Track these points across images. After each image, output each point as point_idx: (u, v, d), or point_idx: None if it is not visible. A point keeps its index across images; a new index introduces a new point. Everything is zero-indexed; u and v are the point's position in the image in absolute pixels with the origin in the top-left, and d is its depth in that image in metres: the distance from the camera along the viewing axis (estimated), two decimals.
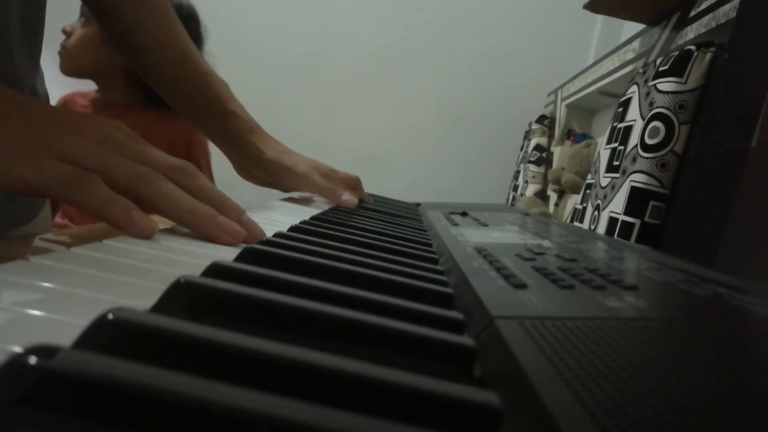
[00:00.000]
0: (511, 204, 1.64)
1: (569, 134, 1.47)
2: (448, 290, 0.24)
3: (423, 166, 2.00)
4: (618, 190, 0.76)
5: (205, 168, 1.23)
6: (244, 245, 0.30)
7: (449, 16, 1.94)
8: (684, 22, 0.81)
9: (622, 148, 0.79)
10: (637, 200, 0.71)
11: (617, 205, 0.75)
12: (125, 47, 0.55)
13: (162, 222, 0.32)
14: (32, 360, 0.10)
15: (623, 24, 1.40)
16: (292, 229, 0.36)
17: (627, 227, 0.72)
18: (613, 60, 1.16)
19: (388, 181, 1.92)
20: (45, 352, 0.11)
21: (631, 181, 0.72)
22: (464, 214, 0.63)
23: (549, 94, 1.70)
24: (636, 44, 1.03)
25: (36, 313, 0.16)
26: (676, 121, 0.68)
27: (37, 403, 0.10)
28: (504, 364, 0.15)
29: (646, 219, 0.70)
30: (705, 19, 0.74)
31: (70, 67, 1.12)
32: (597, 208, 0.84)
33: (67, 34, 1.11)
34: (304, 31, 1.94)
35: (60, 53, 1.12)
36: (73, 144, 0.27)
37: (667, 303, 0.23)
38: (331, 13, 1.94)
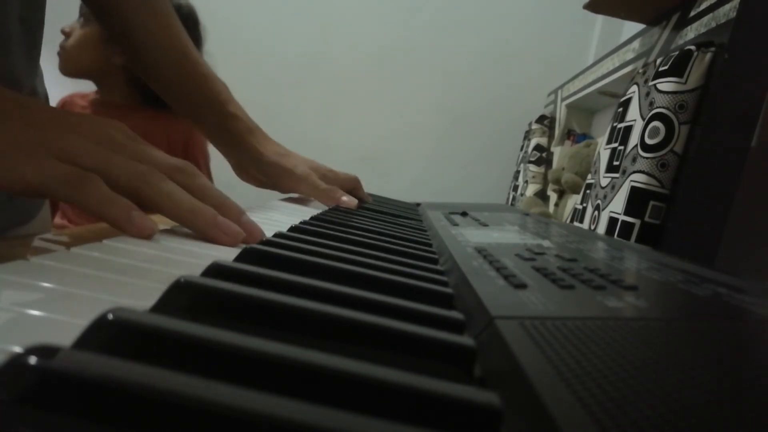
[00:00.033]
0: (511, 204, 1.64)
1: (569, 134, 1.47)
2: (448, 290, 0.24)
3: (423, 166, 2.00)
4: (618, 190, 0.76)
5: (204, 168, 1.24)
6: (243, 245, 0.30)
7: (449, 16, 1.94)
8: (684, 22, 0.81)
9: (622, 148, 0.79)
10: (637, 200, 0.71)
11: (617, 205, 0.75)
12: (126, 47, 0.55)
13: (162, 222, 0.32)
14: (32, 360, 0.10)
15: (623, 24, 1.40)
16: (292, 229, 0.36)
17: (627, 227, 0.72)
18: (613, 60, 1.16)
19: (388, 181, 1.92)
20: (45, 352, 0.11)
21: (631, 181, 0.72)
22: (464, 214, 0.63)
23: (549, 94, 1.70)
24: (636, 44, 1.03)
25: (36, 313, 0.16)
26: (676, 121, 0.68)
27: (37, 403, 0.10)
28: (504, 364, 0.15)
29: (646, 219, 0.70)
30: (705, 19, 0.74)
31: (69, 67, 1.12)
32: (597, 208, 0.84)
33: (66, 34, 1.11)
34: (304, 31, 1.94)
35: (59, 53, 1.12)
36: (73, 144, 0.27)
37: (667, 303, 0.23)
38: (331, 13, 1.94)
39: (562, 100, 1.53)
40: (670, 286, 0.25)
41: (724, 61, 0.66)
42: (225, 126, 0.60)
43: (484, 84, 1.95)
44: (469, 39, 1.94)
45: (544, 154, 1.51)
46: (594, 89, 1.26)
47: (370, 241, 0.36)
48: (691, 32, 0.78)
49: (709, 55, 0.68)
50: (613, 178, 0.79)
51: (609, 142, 0.85)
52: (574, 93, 1.42)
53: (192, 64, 0.57)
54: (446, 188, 1.95)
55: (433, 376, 0.13)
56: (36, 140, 0.27)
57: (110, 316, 0.13)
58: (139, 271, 0.22)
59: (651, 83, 0.74)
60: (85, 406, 0.10)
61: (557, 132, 1.51)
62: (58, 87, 1.07)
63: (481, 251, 0.33)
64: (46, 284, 0.18)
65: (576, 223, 0.93)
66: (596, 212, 0.84)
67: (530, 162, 1.52)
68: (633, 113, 0.78)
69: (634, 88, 0.81)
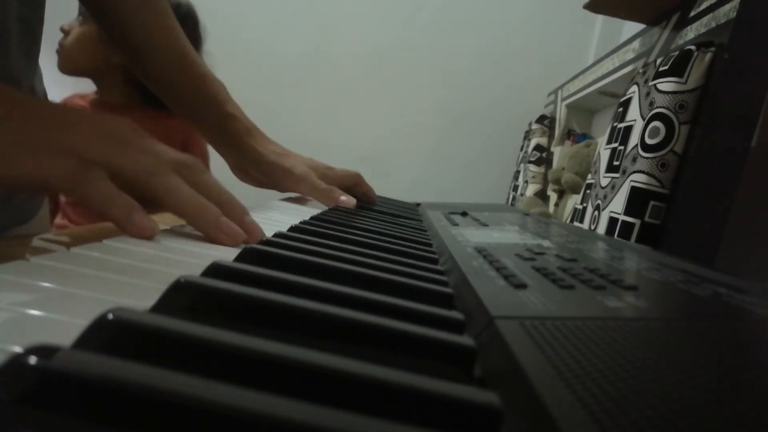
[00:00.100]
0: (511, 204, 1.64)
1: (569, 134, 1.47)
2: (448, 290, 0.24)
3: (423, 166, 2.00)
4: (618, 190, 0.76)
5: None
6: (243, 245, 0.30)
7: (449, 16, 1.94)
8: (684, 22, 0.81)
9: (622, 148, 0.79)
10: (637, 200, 0.71)
11: (617, 205, 0.75)
12: (124, 48, 0.55)
13: (162, 222, 0.32)
14: (32, 360, 0.10)
15: (623, 24, 1.40)
16: (292, 229, 0.36)
17: (627, 227, 0.72)
18: (613, 60, 1.16)
19: (388, 181, 1.92)
20: (45, 352, 0.11)
21: (631, 181, 0.72)
22: (464, 214, 0.63)
23: (549, 94, 1.70)
24: (636, 44, 1.03)
25: (36, 313, 0.16)
26: (676, 121, 0.68)
27: (37, 403, 0.10)
28: (504, 364, 0.15)
29: (646, 219, 0.70)
30: (705, 19, 0.74)
31: (68, 65, 1.12)
32: (597, 208, 0.84)
33: (66, 32, 1.11)
34: (304, 31, 1.94)
35: (58, 51, 1.12)
36: (77, 139, 0.27)
37: (667, 303, 0.23)
38: (331, 13, 1.94)
39: (562, 100, 1.53)
40: (670, 286, 0.25)
41: (724, 61, 0.66)
42: (223, 126, 0.60)
43: (484, 84, 1.95)
44: (469, 39, 1.94)
45: (544, 154, 1.51)
46: (594, 89, 1.26)
47: (370, 241, 0.36)
48: (691, 32, 0.78)
49: (709, 55, 0.68)
50: (613, 178, 0.79)
51: (609, 142, 0.85)
52: (574, 93, 1.42)
53: (190, 64, 0.57)
54: (446, 188, 1.95)
55: (433, 376, 0.13)
56: (40, 137, 0.27)
57: (110, 316, 0.13)
58: (139, 271, 0.22)
59: (651, 83, 0.74)
60: (85, 406, 0.10)
61: (557, 132, 1.51)
62: (57, 86, 1.07)
63: (481, 251, 0.33)
64: (46, 284, 0.18)
65: (576, 223, 0.93)
66: (596, 212, 0.84)
67: (530, 162, 1.52)
68: (633, 113, 0.78)
69: (634, 88, 0.81)
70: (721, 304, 0.22)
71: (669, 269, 0.30)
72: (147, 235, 0.27)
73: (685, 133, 0.68)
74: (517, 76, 1.93)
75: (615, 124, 0.85)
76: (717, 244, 0.64)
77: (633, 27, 1.09)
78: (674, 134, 0.68)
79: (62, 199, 1.16)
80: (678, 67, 0.70)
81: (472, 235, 0.42)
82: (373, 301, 0.20)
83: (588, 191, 0.91)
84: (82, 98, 1.21)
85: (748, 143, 0.65)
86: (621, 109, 0.84)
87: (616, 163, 0.80)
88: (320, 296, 0.19)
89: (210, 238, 0.31)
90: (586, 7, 1.11)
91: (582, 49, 1.86)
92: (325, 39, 1.94)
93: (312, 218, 0.45)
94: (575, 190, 1.10)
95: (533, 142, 1.55)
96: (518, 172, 1.67)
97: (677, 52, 0.71)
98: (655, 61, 0.79)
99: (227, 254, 0.27)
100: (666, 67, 0.72)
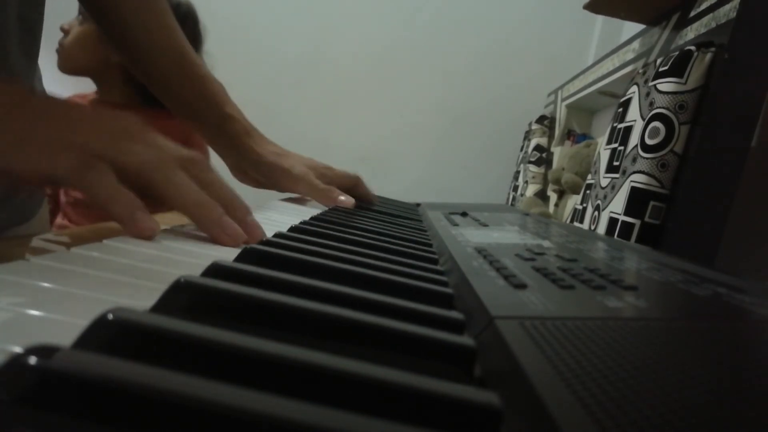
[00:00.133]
0: (511, 204, 1.64)
1: (569, 134, 1.47)
2: (448, 290, 0.24)
3: (423, 166, 2.00)
4: (618, 191, 0.76)
5: None
6: (244, 245, 0.30)
7: (449, 16, 1.94)
8: (684, 23, 0.81)
9: (622, 148, 0.79)
10: (637, 200, 0.71)
11: (617, 205, 0.75)
12: (124, 48, 0.55)
13: (162, 222, 0.32)
14: (32, 360, 0.10)
15: (623, 24, 1.40)
16: (292, 229, 0.36)
17: (627, 227, 0.72)
18: (613, 60, 1.16)
19: (388, 181, 1.91)
20: (45, 352, 0.11)
21: (631, 181, 0.72)
22: (464, 214, 0.63)
23: (549, 94, 1.70)
24: (636, 44, 1.03)
25: (36, 313, 0.16)
26: (676, 122, 0.68)
27: (37, 403, 0.10)
28: (504, 364, 0.15)
29: (646, 219, 0.70)
30: (705, 19, 0.74)
31: (68, 65, 1.12)
32: (597, 208, 0.84)
33: (65, 31, 1.11)
34: (304, 31, 1.94)
35: (57, 51, 1.12)
36: (83, 133, 0.28)
37: (667, 303, 0.23)
38: (331, 13, 1.94)
39: (562, 100, 1.53)
40: (670, 286, 0.25)
41: (724, 61, 0.66)
42: (222, 127, 0.60)
43: (484, 84, 1.95)
44: (469, 39, 1.94)
45: (544, 155, 1.51)
46: (594, 89, 1.26)
47: (370, 241, 0.36)
48: (691, 32, 0.78)
49: (709, 56, 0.68)
50: (613, 178, 0.79)
51: (609, 142, 0.85)
52: (574, 93, 1.42)
53: (190, 65, 0.57)
54: (446, 188, 1.95)
55: (433, 376, 0.13)
56: (48, 132, 0.27)
57: (110, 316, 0.13)
58: (139, 271, 0.22)
59: (651, 83, 0.74)
60: (85, 406, 0.10)
61: (557, 132, 1.51)
62: (57, 86, 1.07)
63: (481, 251, 0.33)
64: (46, 284, 0.18)
65: (576, 224, 0.93)
66: (596, 212, 0.84)
67: (530, 162, 1.52)
68: (633, 113, 0.78)
69: (634, 88, 0.81)
70: (721, 304, 0.22)
71: (669, 269, 0.30)
72: (147, 235, 0.27)
73: (685, 133, 0.68)
74: (517, 76, 1.92)
75: (615, 125, 0.85)
76: (717, 244, 0.64)
77: (633, 27, 1.09)
78: (674, 134, 0.68)
79: (62, 199, 1.16)
80: (678, 67, 0.70)
81: (472, 236, 0.42)
82: (373, 301, 0.20)
83: (588, 191, 0.91)
84: (82, 98, 1.21)
85: (748, 143, 0.65)
86: (621, 110, 0.84)
87: (616, 163, 0.80)
88: (320, 296, 0.19)
89: (211, 236, 0.31)
90: (586, 7, 1.11)
91: (582, 49, 1.86)
92: (325, 39, 1.94)
93: (312, 218, 0.45)
94: (575, 191, 1.10)
95: (533, 143, 1.55)
96: (518, 172, 1.67)
97: (677, 53, 0.71)
98: (655, 61, 0.79)
99: (227, 254, 0.27)
100: (666, 68, 0.72)
